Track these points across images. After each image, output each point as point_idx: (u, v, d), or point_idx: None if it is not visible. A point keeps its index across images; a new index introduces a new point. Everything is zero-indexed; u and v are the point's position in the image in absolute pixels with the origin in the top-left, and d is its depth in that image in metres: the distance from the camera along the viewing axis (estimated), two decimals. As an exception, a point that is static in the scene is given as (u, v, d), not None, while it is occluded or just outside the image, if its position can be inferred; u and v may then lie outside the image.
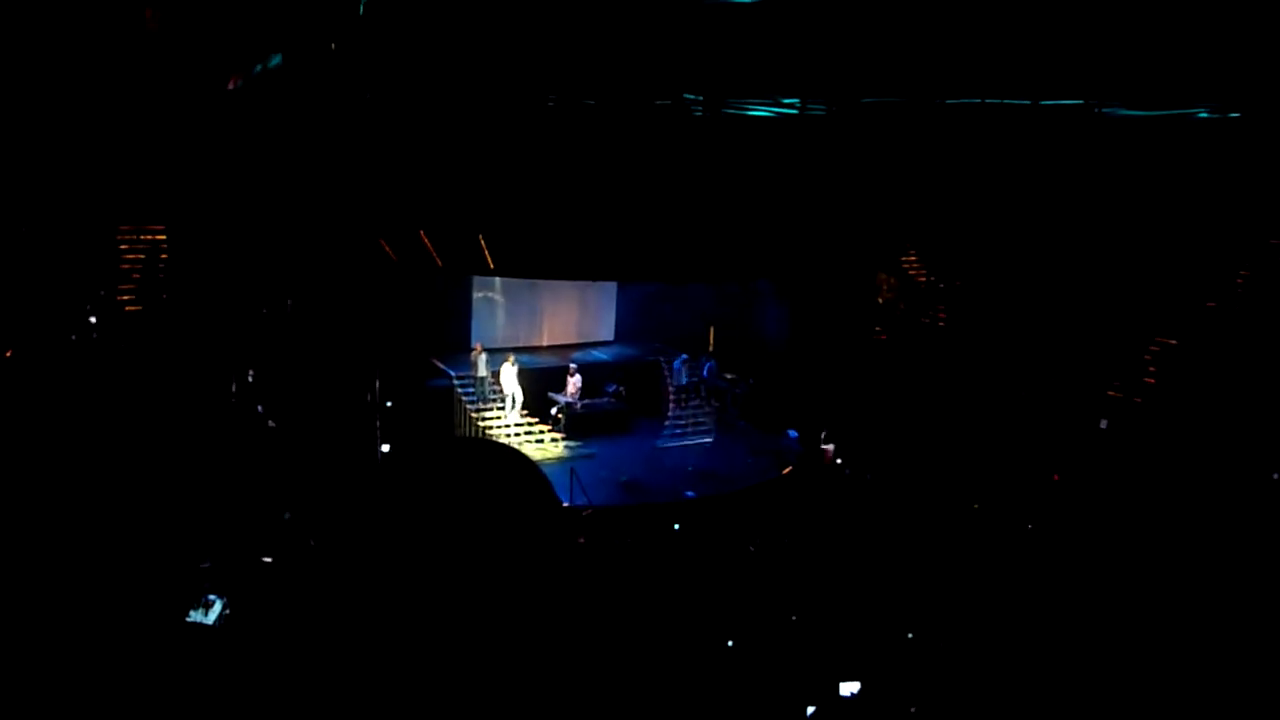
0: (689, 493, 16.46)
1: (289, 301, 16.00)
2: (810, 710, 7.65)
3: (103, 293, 14.98)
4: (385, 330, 17.36)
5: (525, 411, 18.58)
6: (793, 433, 19.42)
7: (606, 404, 19.87)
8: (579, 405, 19.32)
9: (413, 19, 14.42)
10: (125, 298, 15.62)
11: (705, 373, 19.88)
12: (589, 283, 21.18)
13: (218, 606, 8.18)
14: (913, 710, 7.97)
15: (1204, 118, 15.95)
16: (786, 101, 16.13)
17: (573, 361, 19.92)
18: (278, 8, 14.19)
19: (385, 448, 15.82)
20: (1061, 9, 15.14)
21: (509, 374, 18.32)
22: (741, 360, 21.22)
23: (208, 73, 14.46)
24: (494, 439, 17.33)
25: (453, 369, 19.12)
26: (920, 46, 15.52)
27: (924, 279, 20.48)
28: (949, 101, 16.09)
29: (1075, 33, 15.26)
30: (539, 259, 17.21)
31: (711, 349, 21.32)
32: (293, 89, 14.26)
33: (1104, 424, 16.74)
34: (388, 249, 16.41)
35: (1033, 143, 16.45)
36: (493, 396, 18.62)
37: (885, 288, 20.65)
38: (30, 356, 13.27)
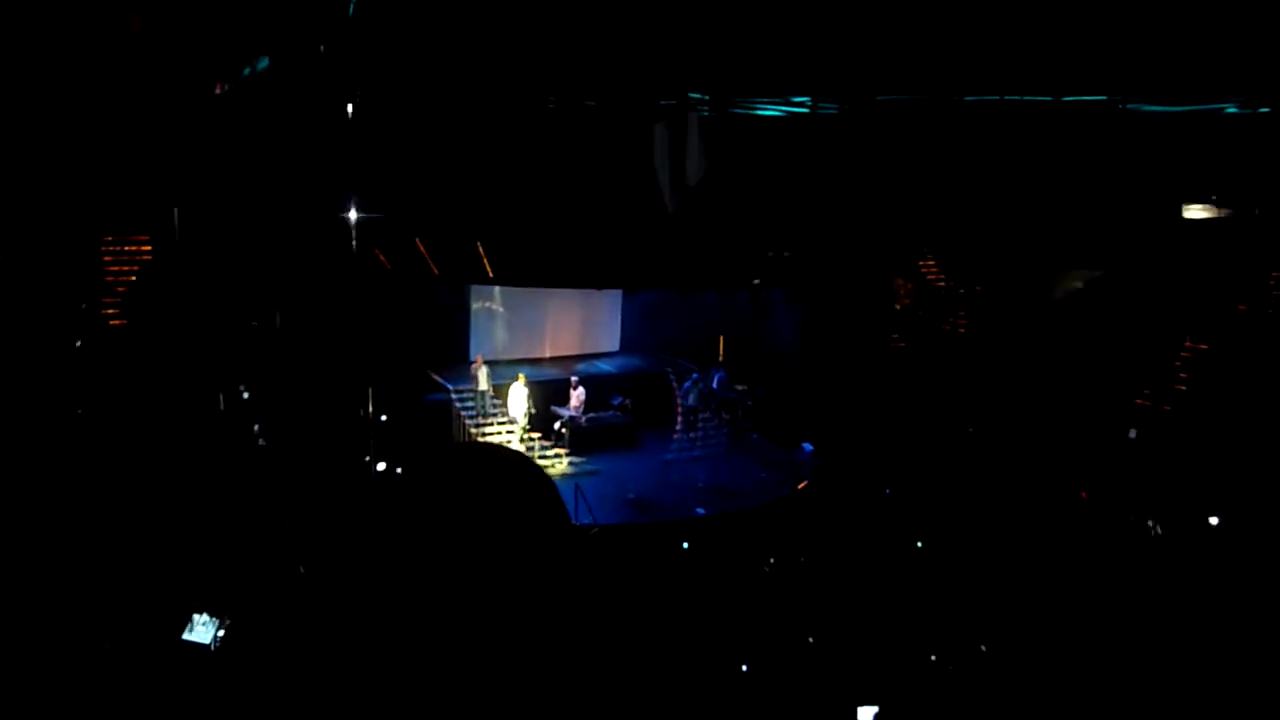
0: (699, 509, 16.43)
1: (279, 314, 15.91)
2: None
3: (86, 307, 15.06)
4: (379, 343, 17.41)
5: (528, 427, 18.54)
6: (807, 445, 19.40)
7: (612, 418, 19.84)
8: (583, 419, 19.28)
9: (405, 18, 14.50)
10: (110, 312, 15.67)
11: (715, 384, 19.83)
12: (593, 291, 21.19)
13: (210, 625, 8.45)
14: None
15: (1233, 113, 15.96)
16: (797, 100, 16.22)
17: (576, 374, 19.88)
18: (265, 8, 14.28)
19: (380, 465, 15.77)
20: (1083, 1, 15.15)
21: (518, 394, 18.21)
22: (753, 370, 21.19)
23: (193, 77, 14.51)
24: (497, 444, 17.36)
25: (450, 382, 19.09)
26: (936, 41, 15.46)
27: (943, 284, 20.47)
28: (967, 98, 16.09)
29: (1098, 25, 15.21)
30: (540, 267, 17.17)
31: (721, 359, 21.25)
32: (281, 92, 14.33)
33: (1133, 434, 16.70)
34: (382, 258, 16.39)
35: (1054, 141, 16.37)
36: (493, 411, 18.60)
37: (902, 293, 20.66)
38: (12, 374, 13.37)
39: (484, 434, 18.12)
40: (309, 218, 15.32)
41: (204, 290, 15.45)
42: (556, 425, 19.07)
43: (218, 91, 14.58)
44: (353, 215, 15.45)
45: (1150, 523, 13.83)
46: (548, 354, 21.77)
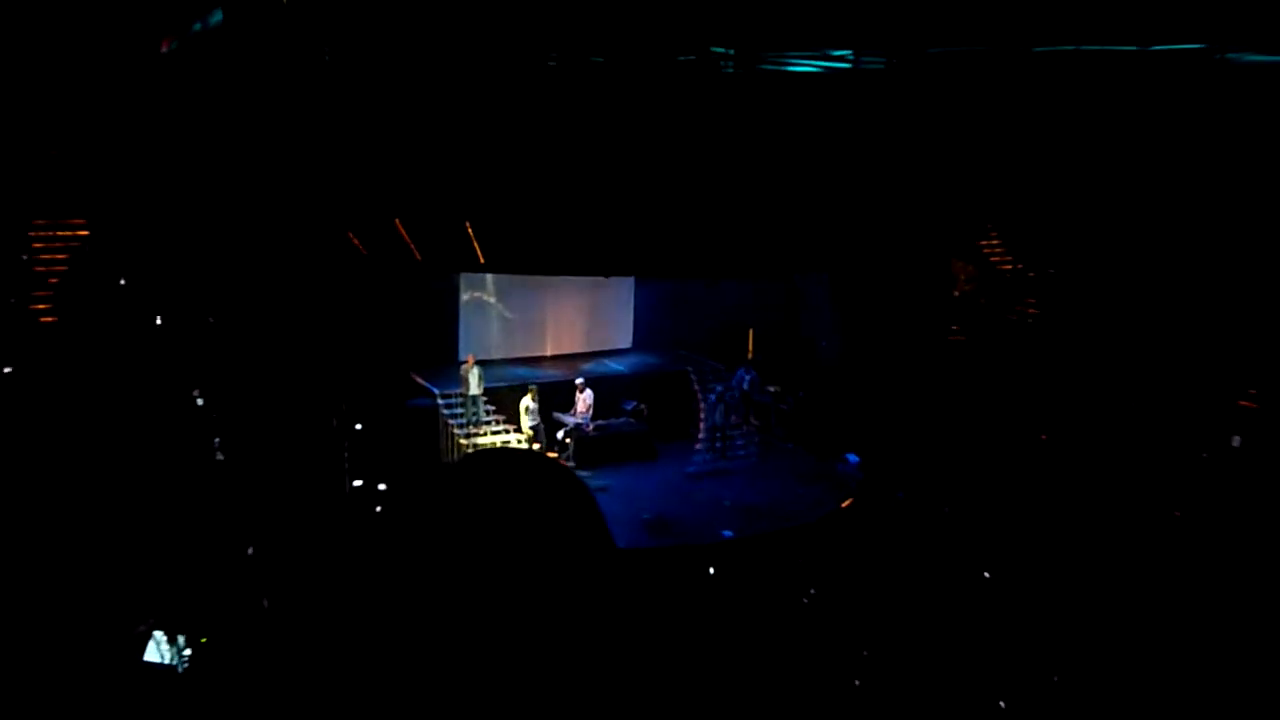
0: (726, 532, 16.47)
1: (238, 308, 15.87)
2: None
3: (13, 301, 14.82)
4: (354, 341, 17.42)
5: (530, 437, 18.56)
6: (852, 457, 19.46)
7: (624, 425, 19.88)
8: (590, 427, 19.28)
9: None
10: (40, 308, 15.50)
11: (745, 386, 19.81)
12: (601, 280, 21.10)
13: (167, 646, 9.04)
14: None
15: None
16: (836, 54, 15.99)
17: (582, 375, 19.94)
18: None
19: (358, 482, 15.92)
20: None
21: (530, 410, 18.35)
22: (787, 369, 21.17)
23: (137, 34, 14.30)
24: (527, 449, 17.34)
25: (436, 385, 19.14)
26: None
27: (1009, 266, 20.36)
28: (1037, 49, 15.83)
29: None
30: (539, 251, 17.17)
31: (751, 356, 21.35)
32: (238, 51, 14.16)
33: (1236, 441, 16.42)
34: (356, 242, 16.41)
35: (1141, 98, 16.16)
36: (486, 419, 18.63)
37: (962, 278, 20.49)
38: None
39: (474, 444, 18.12)
40: (271, 196, 15.22)
41: (150, 281, 15.17)
42: (559, 434, 19.10)
43: (164, 50, 14.46)
44: (322, 193, 15.46)
45: (1256, 547, 13.65)
46: (549, 352, 21.87)
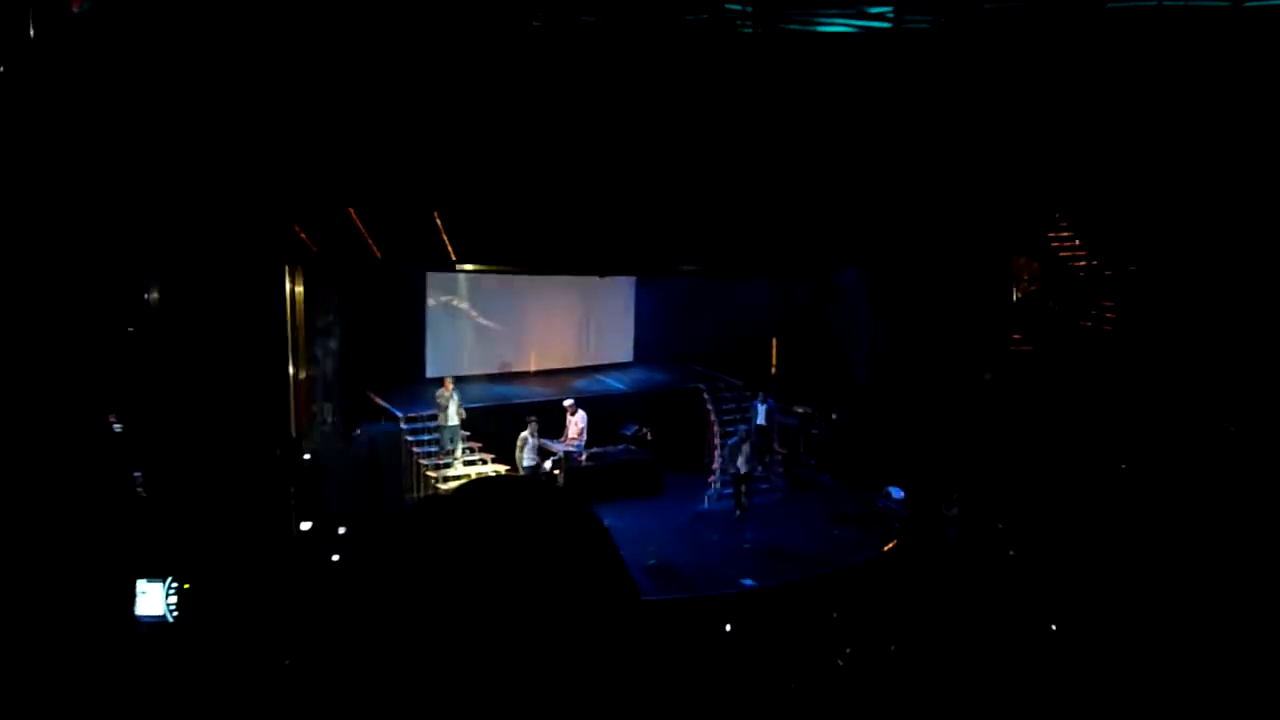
0: (746, 581, 16.45)
1: (163, 317, 15.74)
2: None
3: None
4: (301, 354, 17.49)
5: (508, 467, 18.51)
6: (896, 491, 19.41)
7: (623, 453, 19.85)
8: (583, 456, 19.22)
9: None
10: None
11: (761, 419, 19.80)
12: (596, 281, 21.11)
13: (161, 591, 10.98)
14: None
15: None
16: (874, 11, 16.02)
17: (573, 395, 19.89)
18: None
19: (305, 525, 15.82)
20: None
21: (528, 445, 18.36)
22: (818, 387, 21.22)
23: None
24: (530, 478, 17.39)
25: (399, 408, 19.09)
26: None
27: (1083, 263, 20.40)
28: (1110, 4, 15.80)
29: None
30: (522, 246, 17.21)
31: (775, 371, 21.50)
32: (159, 2, 13.93)
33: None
34: (303, 237, 16.39)
35: (1234, 61, 16.07)
36: (463, 453, 18.68)
37: (1026, 277, 20.55)
38: None
39: (445, 477, 18.08)
40: (200, 182, 15.00)
41: (55, 286, 14.75)
42: (546, 464, 18.95)
43: (75, 9, 14.20)
44: (262, 178, 15.35)
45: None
46: (533, 367, 21.88)
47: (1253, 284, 17.77)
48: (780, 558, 17.28)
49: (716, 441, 20.04)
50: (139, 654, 10.86)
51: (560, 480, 18.58)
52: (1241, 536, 15.49)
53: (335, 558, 15.09)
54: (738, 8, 15.59)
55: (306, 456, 16.59)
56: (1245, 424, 17.47)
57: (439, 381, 19.12)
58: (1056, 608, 14.08)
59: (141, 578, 12.14)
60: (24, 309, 13.41)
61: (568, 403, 19.37)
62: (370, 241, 16.44)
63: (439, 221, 16.44)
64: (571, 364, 22.07)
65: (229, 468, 15.68)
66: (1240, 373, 17.82)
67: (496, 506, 1.48)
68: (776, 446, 20.00)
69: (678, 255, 18.19)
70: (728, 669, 13.17)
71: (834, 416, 20.71)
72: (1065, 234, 20.32)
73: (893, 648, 13.68)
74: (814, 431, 20.68)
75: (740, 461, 18.65)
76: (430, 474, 18.16)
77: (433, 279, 20.64)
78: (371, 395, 19.34)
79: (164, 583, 12.02)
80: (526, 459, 18.13)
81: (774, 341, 21.93)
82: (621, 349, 22.74)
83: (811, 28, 15.80)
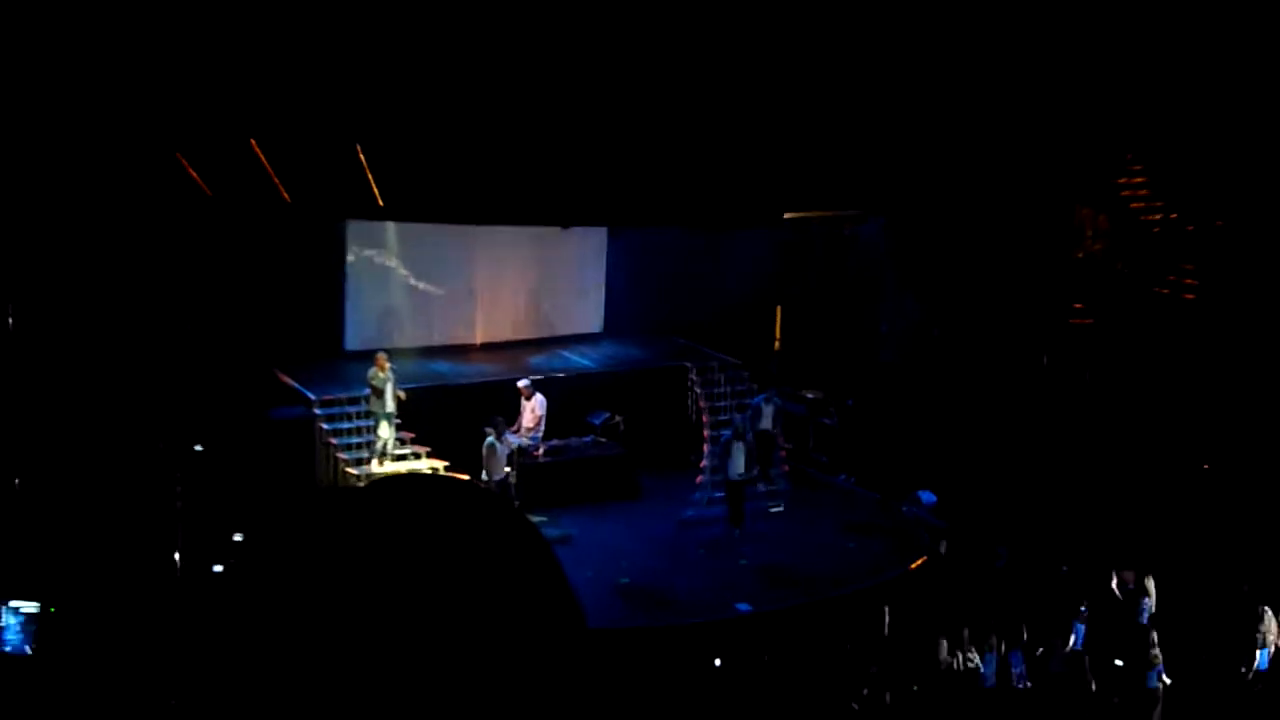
0: (742, 605, 16.49)
1: (19, 279, 15.89)
2: None
3: None
4: (192, 325, 17.52)
5: (444, 464, 18.40)
6: (927, 496, 19.43)
7: (591, 447, 19.83)
8: (540, 450, 19.18)
9: None
10: None
11: (767, 421, 19.70)
12: (557, 233, 21.18)
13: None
14: None
15: None
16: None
17: (528, 375, 19.78)
18: None
19: (200, 530, 15.82)
20: None
21: (497, 456, 18.22)
22: (831, 367, 21.23)
23: None
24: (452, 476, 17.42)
25: (312, 389, 19.01)
26: None
27: (1159, 216, 20.36)
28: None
29: None
30: (466, 190, 17.24)
31: (778, 346, 21.43)
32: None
33: None
34: (194, 175, 16.43)
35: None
36: (395, 446, 18.65)
37: (1090, 233, 20.55)
38: None
39: (369, 475, 17.97)
40: (62, 107, 15.02)
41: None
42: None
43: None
44: (140, 100, 15.27)
45: None
46: (479, 339, 21.73)
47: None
48: (783, 577, 17.33)
49: (707, 433, 20.08)
50: None
51: (511, 479, 18.45)
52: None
53: (218, 569, 14.97)
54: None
55: (198, 448, 16.75)
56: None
57: (360, 357, 19.07)
58: (1123, 640, 14.47)
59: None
60: None
61: (523, 383, 19.26)
62: (277, 181, 16.52)
63: (363, 158, 16.50)
64: (527, 335, 21.87)
65: (102, 461, 15.97)
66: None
67: (402, 511, 1.52)
68: (784, 445, 20.10)
69: (657, 201, 18.28)
70: (716, 713, 13.48)
71: (850, 403, 20.74)
72: (1138, 180, 20.40)
73: (917, 688, 14.04)
74: (825, 421, 20.72)
75: (735, 464, 18.56)
76: (350, 470, 18.18)
77: (355, 230, 20.49)
78: (278, 373, 19.25)
79: (13, 608, 11.59)
80: (496, 471, 18.06)
81: (778, 310, 21.91)
82: (589, 318, 22.56)
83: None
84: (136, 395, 16.52)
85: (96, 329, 16.33)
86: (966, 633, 15.35)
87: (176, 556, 15.78)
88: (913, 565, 17.69)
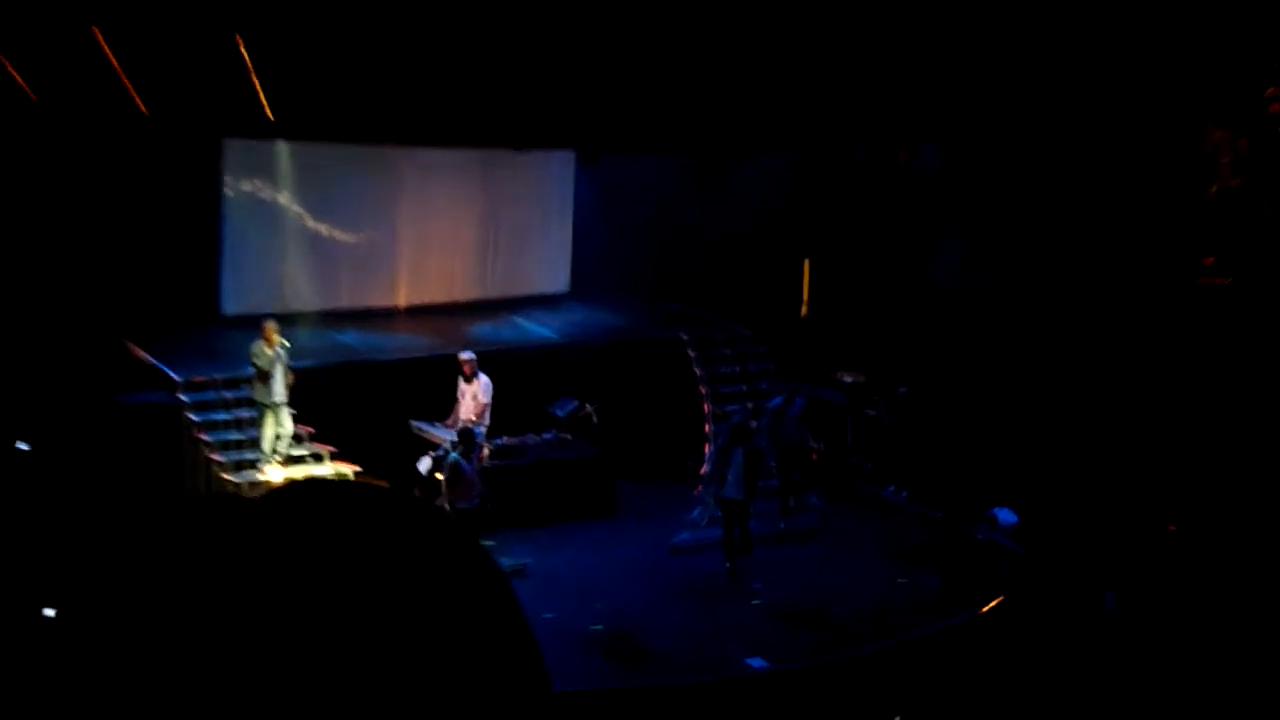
0: (754, 661, 16.07)
1: None
2: None
3: None
4: (14, 281, 17.50)
5: (353, 470, 18.26)
6: (1005, 515, 19.25)
7: (553, 447, 19.57)
8: (486, 450, 18.78)
9: None
10: None
11: (789, 428, 19.59)
12: (509, 161, 21.07)
13: None
14: None
15: None
16: None
17: (470, 349, 19.39)
18: None
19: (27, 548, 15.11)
20: None
21: (465, 479, 17.86)
22: (876, 342, 21.27)
23: None
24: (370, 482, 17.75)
25: (177, 369, 18.81)
26: None
27: None
28: None
29: None
30: (385, 100, 17.22)
31: (805, 312, 21.52)
32: None
33: None
34: (17, 78, 16.23)
35: None
36: (290, 445, 18.54)
37: (1225, 163, 20.16)
38: None
39: (252, 483, 17.88)
40: None
41: None
42: (423, 465, 18.64)
43: None
44: None
45: None
46: (403, 302, 21.68)
47: None
48: (809, 622, 17.01)
49: (709, 429, 20.10)
50: None
51: (443, 489, 18.08)
52: None
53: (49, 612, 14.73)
54: None
55: (22, 446, 16.75)
56: None
57: (242, 325, 19.00)
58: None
59: None
60: None
61: (464, 356, 18.91)
62: (129, 86, 16.37)
63: (245, 53, 16.35)
64: (468, 297, 21.82)
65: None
66: None
67: (305, 532, 1.58)
68: (814, 445, 19.82)
69: (642, 118, 18.27)
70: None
71: (902, 390, 20.61)
72: (1291, 90, 20.24)
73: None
74: (869, 414, 20.61)
75: (729, 479, 18.36)
76: (228, 477, 18.07)
77: (235, 154, 20.32)
78: (131, 346, 19.15)
79: None
80: (462, 499, 17.86)
81: (805, 266, 21.80)
82: (551, 274, 22.48)
83: None
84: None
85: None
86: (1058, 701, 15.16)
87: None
88: (985, 608, 17.33)
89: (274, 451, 18.45)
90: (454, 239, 22.04)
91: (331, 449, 18.54)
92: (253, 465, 18.37)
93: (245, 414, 18.61)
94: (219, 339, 19.34)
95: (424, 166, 21.18)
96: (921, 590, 17.87)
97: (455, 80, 16.82)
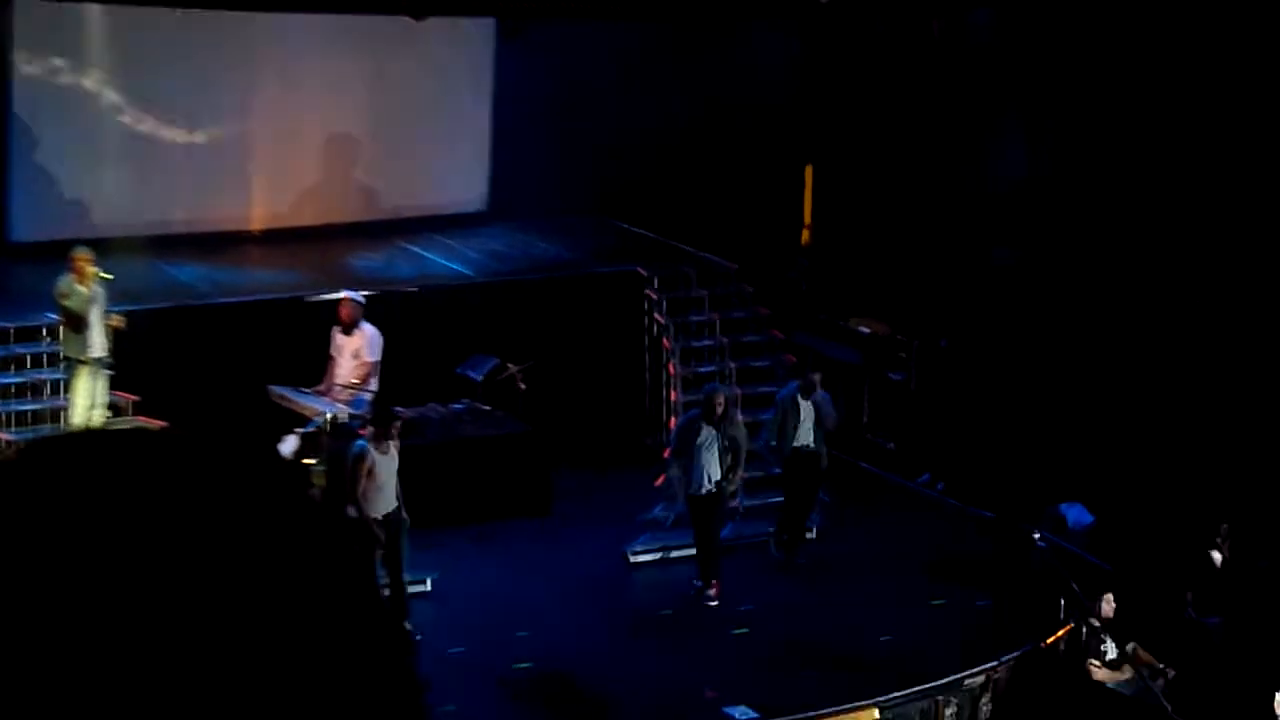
0: (739, 711, 15.81)
1: None
2: None
3: None
4: None
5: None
6: (1075, 513, 18.99)
7: (464, 420, 19.25)
8: (365, 419, 18.06)
9: None
10: None
11: (805, 430, 18.97)
12: (405, 30, 20.48)
13: None
14: None
15: None
16: None
17: (352, 292, 18.97)
18: None
19: None
20: None
21: (377, 478, 17.46)
22: (902, 281, 21.04)
23: None
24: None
25: None
26: None
27: None
28: None
29: None
30: None
31: (807, 240, 21.45)
32: None
33: None
34: None
35: None
36: (103, 410, 18.13)
37: None
38: None
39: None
40: None
41: None
42: (286, 446, 18.01)
43: None
44: None
45: None
46: (258, 223, 21.39)
47: None
48: (813, 658, 16.72)
49: (675, 396, 19.84)
50: None
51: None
52: None
53: None
54: None
55: None
56: None
57: (40, 254, 18.82)
58: None
59: None
60: None
61: (344, 298, 18.55)
62: None
63: None
64: (348, 217, 21.55)
65: None
66: None
67: (87, 496, 1.49)
68: (831, 425, 19.10)
69: None
70: None
71: (943, 343, 20.36)
72: None
73: None
74: (894, 377, 20.36)
75: (701, 467, 17.91)
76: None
77: (26, 19, 19.83)
78: None
79: None
80: (377, 505, 17.32)
81: (807, 173, 21.42)
82: (462, 187, 22.19)
83: None
84: None
85: None
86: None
87: None
88: (1048, 640, 17.00)
89: (85, 424, 17.61)
90: (329, 139, 21.76)
91: (163, 425, 17.36)
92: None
93: (47, 375, 18.33)
94: (6, 275, 19.18)
95: (287, 37, 20.87)
96: (965, 616, 17.52)
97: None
